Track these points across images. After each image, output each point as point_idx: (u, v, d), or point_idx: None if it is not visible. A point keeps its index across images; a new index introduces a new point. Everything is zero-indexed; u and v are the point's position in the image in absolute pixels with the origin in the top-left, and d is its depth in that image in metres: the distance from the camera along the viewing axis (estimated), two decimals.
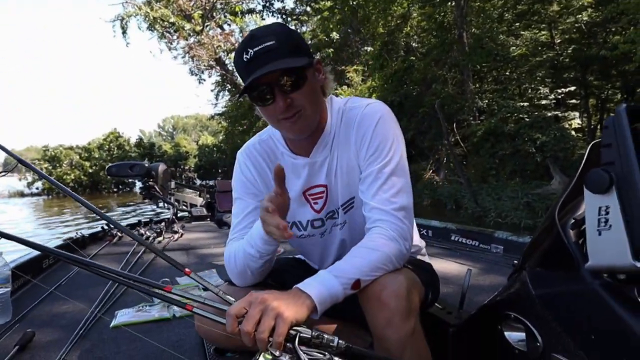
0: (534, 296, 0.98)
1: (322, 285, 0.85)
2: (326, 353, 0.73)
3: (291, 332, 0.73)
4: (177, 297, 0.81)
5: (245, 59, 0.94)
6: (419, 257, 1.30)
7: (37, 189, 23.29)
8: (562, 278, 0.94)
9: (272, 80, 0.94)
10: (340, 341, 0.75)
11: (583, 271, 0.86)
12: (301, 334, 0.73)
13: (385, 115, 1.08)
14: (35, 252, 2.21)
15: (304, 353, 0.71)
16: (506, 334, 1.08)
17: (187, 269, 0.88)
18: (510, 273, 1.13)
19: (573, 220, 0.95)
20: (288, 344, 0.73)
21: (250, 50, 0.93)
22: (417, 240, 1.30)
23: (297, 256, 1.40)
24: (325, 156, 1.10)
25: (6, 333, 1.40)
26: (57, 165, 23.16)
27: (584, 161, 0.97)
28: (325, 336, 0.74)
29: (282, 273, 1.24)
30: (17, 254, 2.12)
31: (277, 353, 0.71)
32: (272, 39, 0.93)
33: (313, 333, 0.74)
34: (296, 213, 1.16)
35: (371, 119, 1.06)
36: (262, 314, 0.73)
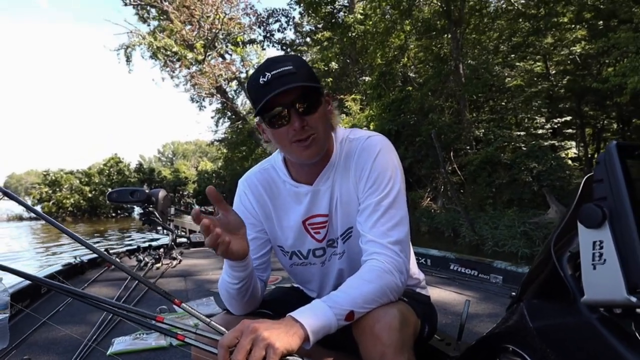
0: (531, 329, 0.99)
1: (315, 315, 0.85)
2: None
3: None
4: (169, 326, 0.82)
5: (262, 82, 0.96)
6: (418, 289, 1.29)
7: None
8: (559, 311, 0.95)
9: (289, 101, 0.96)
10: None
11: (579, 304, 0.87)
12: None
13: (385, 147, 1.10)
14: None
15: None
16: None
17: (176, 300, 0.86)
18: (509, 305, 1.14)
19: (569, 253, 0.97)
20: None
21: (268, 74, 0.96)
22: (416, 272, 1.29)
23: (294, 285, 1.40)
24: (328, 186, 1.11)
25: (3, 359, 1.39)
26: (57, 189, 23.16)
27: (578, 195, 0.99)
28: None
29: (279, 302, 1.24)
30: (18, 279, 2.11)
31: None
32: (290, 64, 0.97)
33: None
34: (296, 243, 1.16)
35: (371, 151, 1.08)
36: (253, 344, 0.73)
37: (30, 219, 22.83)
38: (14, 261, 9.33)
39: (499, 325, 1.12)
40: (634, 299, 0.72)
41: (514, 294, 1.13)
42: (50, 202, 22.62)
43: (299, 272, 1.25)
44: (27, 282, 2.09)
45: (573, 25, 11.76)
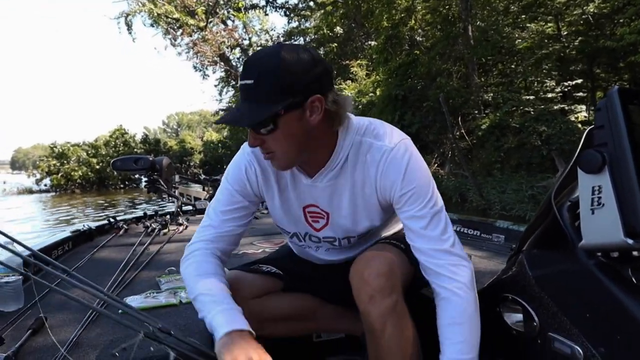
0: (530, 277, 1.00)
1: None
2: None
3: None
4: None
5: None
6: None
7: (45, 185, 23.50)
8: (557, 259, 0.96)
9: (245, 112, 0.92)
10: None
11: (578, 251, 0.88)
12: None
13: (414, 157, 1.02)
14: (46, 242, 2.26)
15: None
16: (504, 315, 1.11)
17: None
18: (509, 256, 1.16)
19: (569, 203, 0.97)
20: None
21: (239, 81, 0.93)
22: None
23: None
24: (328, 184, 1.06)
25: (19, 319, 1.44)
26: (65, 162, 23.33)
27: (580, 146, 0.99)
28: None
29: (287, 259, 1.31)
30: (29, 242, 2.17)
31: None
32: (254, 76, 0.88)
33: None
34: (298, 224, 1.16)
35: (400, 165, 1.00)
36: None
37: (40, 191, 23.15)
38: (29, 233, 9.56)
39: (499, 276, 1.14)
40: (630, 242, 0.73)
41: (514, 246, 1.14)
42: (59, 175, 22.85)
43: (296, 249, 1.32)
44: (40, 247, 2.14)
45: None
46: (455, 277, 0.97)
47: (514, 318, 1.09)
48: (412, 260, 1.07)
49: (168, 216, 3.52)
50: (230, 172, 1.13)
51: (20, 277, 1.59)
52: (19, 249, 1.63)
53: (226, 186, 1.12)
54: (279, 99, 0.87)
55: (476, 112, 12.35)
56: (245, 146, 1.10)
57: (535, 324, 0.99)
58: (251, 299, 1.14)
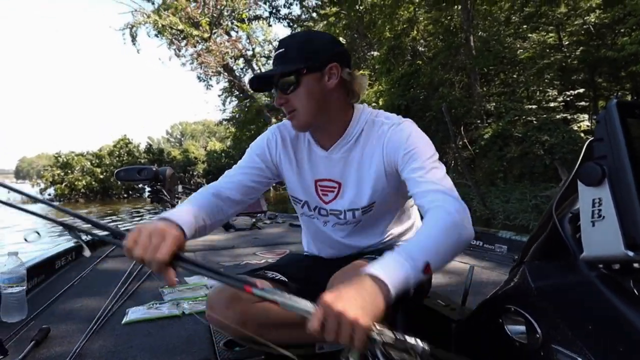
0: (532, 289, 1.00)
1: (395, 270, 0.81)
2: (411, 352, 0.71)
3: (373, 334, 0.71)
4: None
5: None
6: None
7: (49, 195, 23.58)
8: (559, 270, 0.96)
9: (275, 80, 1.10)
10: (424, 345, 0.72)
11: (579, 263, 0.88)
12: (384, 340, 0.71)
13: (415, 130, 1.16)
14: (49, 253, 2.26)
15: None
16: (507, 327, 1.10)
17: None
18: (511, 267, 1.16)
19: (570, 215, 0.98)
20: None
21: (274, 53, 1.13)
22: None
23: (306, 252, 1.45)
24: (342, 156, 1.18)
25: (23, 329, 1.45)
26: (69, 171, 23.42)
27: (580, 158, 0.99)
28: (408, 340, 0.72)
29: (292, 266, 1.32)
30: (33, 254, 2.18)
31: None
32: (285, 47, 1.10)
33: (396, 336, 0.72)
34: (307, 196, 1.26)
35: (403, 134, 1.13)
36: (339, 326, 0.71)
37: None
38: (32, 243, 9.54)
39: (501, 287, 1.14)
40: (631, 254, 0.73)
41: (516, 257, 1.14)
42: (63, 184, 22.95)
43: (306, 221, 1.35)
44: (41, 258, 2.15)
45: None
46: (450, 209, 0.96)
47: (517, 329, 1.08)
48: None
49: None
50: (255, 141, 1.30)
51: (24, 287, 1.60)
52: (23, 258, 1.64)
53: (248, 151, 1.28)
54: (303, 62, 1.07)
55: (478, 121, 12.37)
56: (275, 125, 1.29)
57: (537, 335, 0.98)
58: (254, 303, 1.13)
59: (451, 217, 0.94)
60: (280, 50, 1.10)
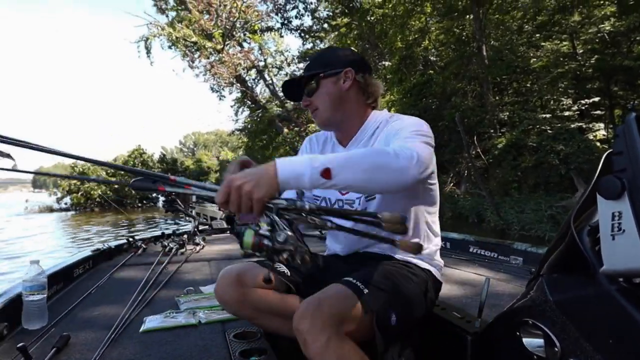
0: (551, 302, 0.99)
1: (291, 162, 0.93)
2: (302, 214, 0.88)
3: (269, 204, 0.88)
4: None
5: None
6: (430, 268, 1.33)
7: (65, 204, 23.95)
8: (578, 283, 0.95)
9: (303, 85, 1.34)
10: (310, 204, 0.89)
11: (599, 276, 0.87)
12: (278, 207, 0.88)
13: (417, 120, 1.25)
14: (68, 262, 2.30)
15: (283, 218, 0.88)
16: (524, 340, 1.09)
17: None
18: (529, 280, 1.15)
19: (589, 227, 0.97)
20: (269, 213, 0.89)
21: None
22: (435, 256, 1.36)
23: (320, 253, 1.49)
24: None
25: (43, 336, 1.47)
26: (85, 181, 23.80)
27: (598, 170, 0.99)
28: (298, 203, 0.88)
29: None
30: (50, 262, 2.22)
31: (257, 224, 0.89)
32: (309, 59, 1.40)
33: (287, 204, 0.88)
34: (325, 191, 1.35)
35: (403, 122, 1.25)
36: (240, 198, 0.88)
37: (60, 209, 23.62)
38: (50, 252, 9.72)
39: (519, 300, 1.13)
40: None
41: (533, 269, 1.13)
42: (79, 194, 23.33)
43: None
44: (60, 266, 2.19)
45: (602, 1, 11.31)
46: (394, 148, 1.00)
47: (535, 343, 1.07)
48: (371, 299, 1.09)
49: (185, 236, 3.57)
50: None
51: (45, 295, 1.63)
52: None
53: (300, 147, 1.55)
54: (321, 68, 1.30)
55: (492, 131, 12.29)
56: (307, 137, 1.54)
57: (556, 349, 0.97)
58: (253, 287, 1.24)
59: (386, 151, 0.99)
60: (307, 63, 1.35)
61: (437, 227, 1.38)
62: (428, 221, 1.34)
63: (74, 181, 23.76)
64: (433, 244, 1.36)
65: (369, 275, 1.17)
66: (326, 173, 0.91)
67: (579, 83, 11.80)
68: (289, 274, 1.31)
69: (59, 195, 24.58)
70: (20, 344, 1.21)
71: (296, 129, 19.70)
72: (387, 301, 1.13)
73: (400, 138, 1.13)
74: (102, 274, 2.38)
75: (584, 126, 11.65)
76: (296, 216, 0.89)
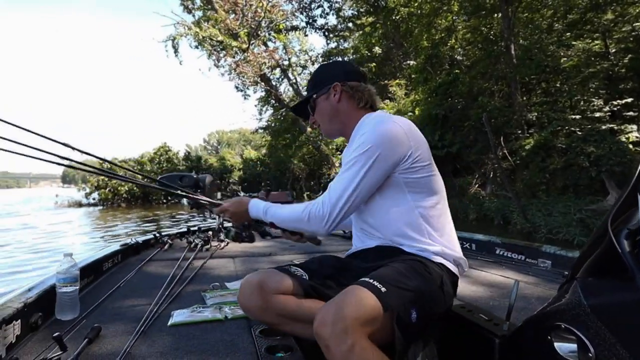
0: (585, 306, 0.96)
1: (258, 208, 1.53)
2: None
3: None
4: None
5: None
6: (444, 261, 1.33)
7: (93, 199, 24.62)
8: (616, 288, 0.93)
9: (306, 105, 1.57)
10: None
11: (638, 281, 0.84)
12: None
13: (384, 121, 1.33)
14: (97, 256, 2.37)
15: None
16: (556, 344, 1.07)
17: None
18: (561, 284, 1.12)
19: (627, 230, 0.94)
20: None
21: None
22: (451, 250, 1.35)
23: (327, 254, 1.55)
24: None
25: (75, 327, 1.52)
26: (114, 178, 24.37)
27: (638, 170, 0.96)
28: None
29: (315, 264, 1.44)
30: (82, 255, 2.29)
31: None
32: (308, 82, 1.62)
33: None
34: None
35: (360, 136, 1.32)
36: (225, 214, 1.67)
37: (89, 204, 24.29)
38: (81, 245, 10.02)
39: (550, 303, 1.10)
40: None
41: (566, 273, 1.10)
42: (107, 189, 23.93)
43: None
44: (92, 259, 2.26)
45: None
46: (310, 207, 1.34)
47: (567, 347, 1.05)
48: (390, 297, 1.09)
49: (210, 232, 3.62)
50: None
51: (77, 287, 1.68)
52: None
53: None
54: (313, 90, 1.51)
55: (519, 131, 12.03)
56: None
57: (590, 354, 0.95)
58: (274, 294, 1.26)
59: (301, 217, 1.35)
60: (308, 85, 1.58)
61: (442, 219, 1.36)
62: (426, 215, 1.33)
63: (102, 177, 24.37)
64: (443, 238, 1.35)
65: (385, 273, 1.17)
66: (272, 225, 1.55)
67: (611, 83, 11.42)
68: (306, 277, 1.33)
69: (88, 190, 25.26)
70: (56, 334, 1.25)
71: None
72: (407, 298, 1.13)
73: (339, 173, 1.33)
74: (131, 268, 2.44)
75: (616, 128, 11.25)
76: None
